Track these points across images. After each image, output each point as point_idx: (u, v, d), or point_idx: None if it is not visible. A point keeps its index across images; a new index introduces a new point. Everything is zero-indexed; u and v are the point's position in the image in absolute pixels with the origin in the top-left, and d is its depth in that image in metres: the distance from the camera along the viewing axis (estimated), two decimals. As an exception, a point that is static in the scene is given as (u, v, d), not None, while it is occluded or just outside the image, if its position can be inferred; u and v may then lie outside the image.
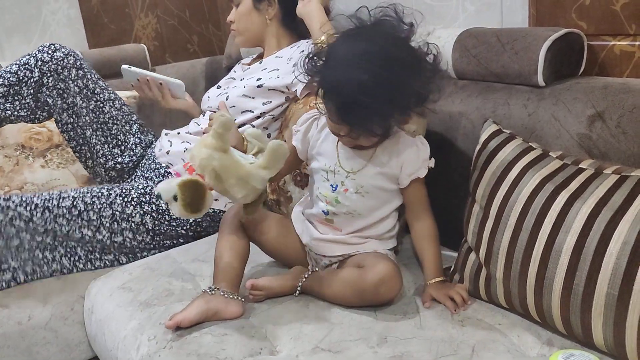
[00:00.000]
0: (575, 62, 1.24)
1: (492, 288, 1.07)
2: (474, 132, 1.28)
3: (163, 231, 1.50)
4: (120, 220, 1.45)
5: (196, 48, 2.49)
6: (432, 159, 1.16)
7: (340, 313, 1.11)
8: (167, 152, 1.60)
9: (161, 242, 1.51)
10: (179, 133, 1.66)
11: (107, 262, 1.47)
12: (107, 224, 1.44)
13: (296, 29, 1.66)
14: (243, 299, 1.16)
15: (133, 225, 1.46)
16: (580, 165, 1.02)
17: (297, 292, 1.17)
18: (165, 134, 1.67)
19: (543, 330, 1.02)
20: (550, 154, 1.07)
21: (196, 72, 2.31)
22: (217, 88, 1.71)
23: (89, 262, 1.46)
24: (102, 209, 1.43)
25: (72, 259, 1.44)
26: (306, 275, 1.18)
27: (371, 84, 1.00)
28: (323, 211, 1.19)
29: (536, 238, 0.98)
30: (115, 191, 1.47)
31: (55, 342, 1.39)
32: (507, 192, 1.05)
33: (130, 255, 1.49)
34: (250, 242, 1.25)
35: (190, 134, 1.64)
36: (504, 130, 1.15)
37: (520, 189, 1.03)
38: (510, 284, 1.03)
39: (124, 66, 1.75)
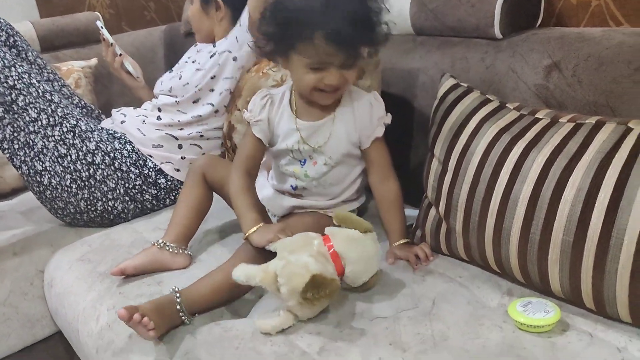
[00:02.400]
0: (533, 14, 1.23)
1: (452, 241, 1.07)
2: (433, 87, 1.26)
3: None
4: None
5: (153, 15, 2.42)
6: (389, 114, 1.14)
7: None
8: (122, 122, 1.56)
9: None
10: (134, 108, 1.62)
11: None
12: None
13: None
14: (191, 253, 1.21)
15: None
16: (536, 116, 1.01)
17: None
18: (117, 111, 1.62)
19: (503, 281, 1.03)
20: (507, 105, 1.06)
21: (154, 40, 2.24)
22: (170, 72, 1.68)
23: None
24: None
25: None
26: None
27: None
28: (292, 186, 1.18)
29: (493, 189, 0.97)
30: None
31: (16, 318, 1.36)
32: (464, 145, 1.04)
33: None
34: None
35: (147, 109, 1.60)
36: (462, 83, 1.14)
37: (478, 141, 1.02)
38: (469, 237, 1.02)
39: (98, 22, 1.72)
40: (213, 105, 1.55)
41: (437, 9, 1.27)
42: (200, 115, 1.54)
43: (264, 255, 1.02)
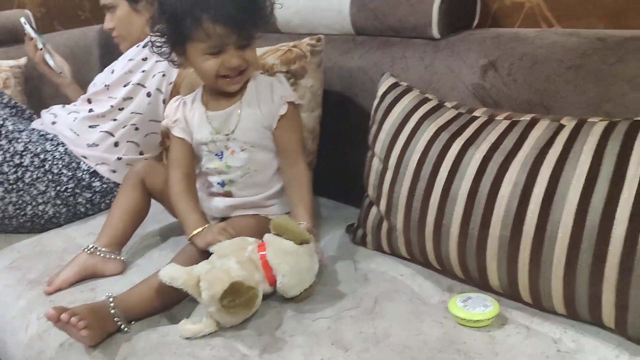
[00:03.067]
0: (469, 15, 1.25)
1: (394, 239, 1.07)
2: (373, 87, 1.26)
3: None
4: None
5: (88, 15, 2.33)
6: (295, 94, 1.15)
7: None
8: (53, 123, 1.49)
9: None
10: (63, 106, 1.55)
11: None
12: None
13: None
14: (124, 258, 1.16)
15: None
16: (474, 114, 1.03)
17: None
18: (47, 111, 1.55)
19: (443, 278, 1.03)
20: (445, 104, 1.07)
21: (89, 40, 2.16)
22: (102, 73, 1.61)
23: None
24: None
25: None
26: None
27: None
28: (219, 184, 1.16)
29: (433, 186, 0.98)
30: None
31: (-63, 331, 1.27)
32: (404, 144, 1.05)
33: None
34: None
35: (77, 105, 1.53)
36: (401, 83, 1.14)
37: (417, 140, 1.03)
38: (410, 234, 1.03)
39: (22, 19, 1.64)
40: (144, 86, 1.47)
41: (377, 9, 1.27)
42: (131, 97, 1.46)
43: (206, 258, 0.99)
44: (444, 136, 1.00)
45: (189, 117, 1.16)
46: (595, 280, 0.81)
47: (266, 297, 0.99)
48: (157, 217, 1.30)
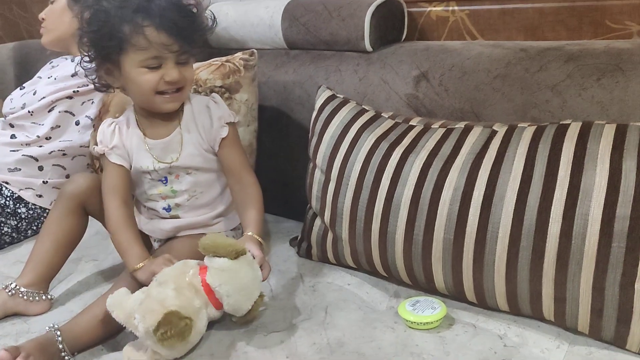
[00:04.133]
0: (398, 28, 1.29)
1: (339, 250, 1.09)
2: (309, 100, 1.29)
3: None
4: None
5: (0, 33, 2.22)
6: (232, 113, 1.12)
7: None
8: None
9: None
10: None
11: None
12: None
13: None
14: (51, 296, 1.08)
15: None
16: (410, 123, 1.06)
17: None
18: None
19: (390, 284, 1.06)
20: (382, 114, 1.11)
21: (2, 59, 2.06)
22: (21, 89, 1.53)
23: None
24: None
25: None
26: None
27: None
28: (165, 209, 1.13)
29: (376, 195, 1.00)
30: None
31: None
32: (345, 154, 1.07)
33: None
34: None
35: None
36: (338, 95, 1.16)
37: (358, 150, 1.05)
38: (355, 243, 1.04)
39: None
40: (73, 114, 1.42)
41: (309, 23, 1.29)
42: (59, 126, 1.41)
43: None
44: (384, 145, 1.03)
45: (126, 144, 1.10)
46: (535, 276, 0.86)
47: (217, 321, 0.97)
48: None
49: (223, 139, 1.09)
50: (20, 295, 1.04)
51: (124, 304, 0.89)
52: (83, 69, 1.10)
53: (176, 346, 0.88)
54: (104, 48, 1.03)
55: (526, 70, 1.04)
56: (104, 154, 1.10)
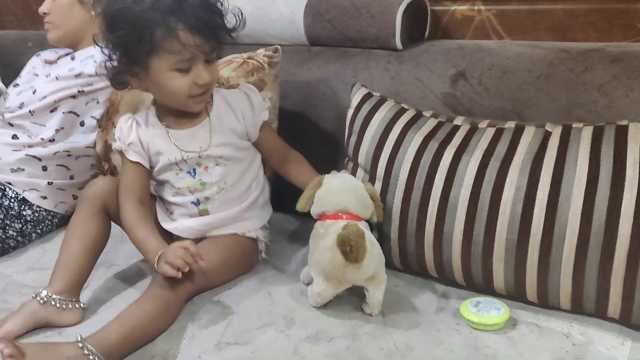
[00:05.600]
0: (422, 26, 1.29)
1: (386, 251, 1.06)
2: (335, 97, 1.26)
3: None
4: None
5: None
6: (267, 100, 1.15)
7: (232, 301, 1.01)
8: None
9: None
10: None
11: None
12: None
13: None
14: (83, 305, 1.01)
15: None
16: (455, 122, 1.05)
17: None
18: None
19: (438, 285, 1.05)
20: (423, 113, 1.09)
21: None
22: (15, 86, 1.43)
23: None
24: None
25: None
26: None
27: None
28: (193, 203, 1.08)
29: (429, 195, 0.99)
30: None
31: None
32: (391, 153, 1.05)
33: None
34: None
35: None
36: (374, 93, 1.14)
37: (405, 149, 1.03)
38: (406, 244, 1.03)
39: None
40: (77, 114, 1.34)
41: (335, 20, 1.26)
42: (64, 127, 1.33)
43: (178, 284, 0.95)
44: (433, 145, 1.02)
45: (145, 139, 1.08)
46: (603, 275, 0.87)
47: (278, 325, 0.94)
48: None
49: (264, 121, 1.12)
50: (53, 303, 0.97)
51: None
52: (106, 70, 1.05)
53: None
54: (132, 51, 0.99)
55: (571, 71, 1.05)
56: (121, 150, 1.08)
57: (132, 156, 1.07)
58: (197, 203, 1.08)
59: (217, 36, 1.01)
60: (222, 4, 1.03)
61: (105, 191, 1.07)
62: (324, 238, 0.96)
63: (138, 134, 1.07)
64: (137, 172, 1.08)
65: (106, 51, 1.03)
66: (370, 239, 0.95)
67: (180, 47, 0.97)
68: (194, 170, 1.07)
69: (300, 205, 1.04)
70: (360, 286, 0.96)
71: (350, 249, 0.89)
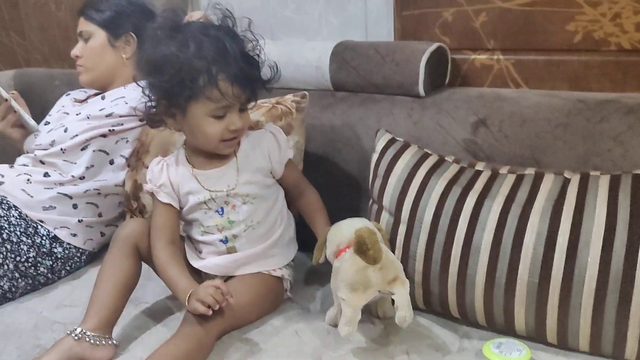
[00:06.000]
0: (443, 74, 1.34)
1: (409, 291, 1.10)
2: (359, 142, 1.31)
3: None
4: None
5: (-5, 60, 2.14)
6: (293, 142, 1.22)
7: (260, 340, 1.05)
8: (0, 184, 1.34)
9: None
10: (11, 166, 1.41)
11: None
12: None
13: None
14: (116, 342, 1.05)
15: None
16: (476, 168, 1.10)
17: None
18: None
19: (459, 326, 1.08)
20: (446, 158, 1.14)
21: (3, 87, 1.97)
22: (46, 124, 1.49)
23: None
24: None
25: None
26: None
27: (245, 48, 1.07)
28: (221, 240, 1.13)
29: (453, 238, 1.03)
30: None
31: None
32: (415, 197, 1.09)
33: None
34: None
35: (27, 165, 1.40)
36: (398, 138, 1.19)
37: (429, 193, 1.08)
38: (430, 285, 1.06)
39: None
40: (107, 153, 1.40)
41: (360, 67, 1.32)
42: (93, 165, 1.39)
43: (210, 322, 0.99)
44: (456, 190, 1.06)
45: (175, 180, 1.13)
46: (621, 319, 0.90)
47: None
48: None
49: (289, 159, 1.18)
50: (87, 339, 1.01)
51: None
52: (144, 109, 1.12)
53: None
54: (173, 95, 1.05)
55: (587, 120, 1.10)
56: (152, 192, 1.13)
57: (163, 198, 1.13)
58: (225, 241, 1.12)
59: (253, 88, 1.07)
60: (259, 56, 1.09)
61: (137, 233, 1.12)
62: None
63: (168, 176, 1.13)
64: (168, 214, 1.13)
65: (147, 92, 1.09)
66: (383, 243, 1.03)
67: (220, 96, 1.03)
68: (222, 209, 1.12)
69: (315, 260, 1.11)
70: (387, 294, 1.00)
71: (367, 247, 0.95)
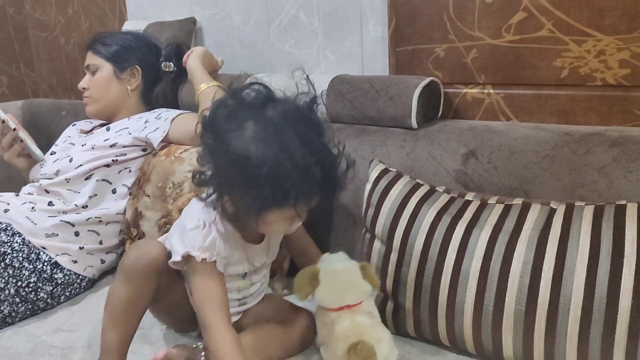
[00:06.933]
0: (436, 107, 1.39)
1: (400, 319, 1.12)
2: (352, 172, 1.34)
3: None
4: None
5: (5, 90, 2.21)
6: None
7: None
8: (5, 211, 1.38)
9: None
10: (17, 194, 1.45)
11: None
12: None
13: (152, 104, 1.61)
14: None
15: None
16: (466, 198, 1.13)
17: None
18: None
19: (449, 353, 1.09)
20: (437, 188, 1.17)
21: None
22: (52, 154, 1.54)
23: None
24: None
25: None
26: None
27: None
28: (238, 299, 1.14)
29: (442, 266, 1.06)
30: None
31: None
32: (407, 226, 1.12)
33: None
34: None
35: (32, 194, 1.45)
36: (390, 168, 1.23)
37: (420, 222, 1.11)
38: (420, 313, 1.09)
39: None
40: (110, 182, 1.44)
41: (355, 100, 1.37)
42: (96, 194, 1.43)
43: None
44: (446, 219, 1.09)
45: (224, 249, 1.02)
46: (606, 347, 0.92)
47: None
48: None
49: None
50: None
51: None
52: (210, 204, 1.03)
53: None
54: (251, 200, 0.93)
55: (573, 153, 1.13)
56: (213, 261, 1.00)
57: (221, 268, 1.01)
58: (241, 299, 1.14)
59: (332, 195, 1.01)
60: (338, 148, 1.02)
61: (162, 256, 1.02)
62: (332, 337, 1.04)
63: (223, 247, 1.02)
64: (223, 285, 1.02)
65: (207, 168, 0.99)
66: (376, 335, 1.03)
67: (293, 215, 0.98)
68: (245, 273, 1.10)
69: (304, 296, 1.04)
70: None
71: None
